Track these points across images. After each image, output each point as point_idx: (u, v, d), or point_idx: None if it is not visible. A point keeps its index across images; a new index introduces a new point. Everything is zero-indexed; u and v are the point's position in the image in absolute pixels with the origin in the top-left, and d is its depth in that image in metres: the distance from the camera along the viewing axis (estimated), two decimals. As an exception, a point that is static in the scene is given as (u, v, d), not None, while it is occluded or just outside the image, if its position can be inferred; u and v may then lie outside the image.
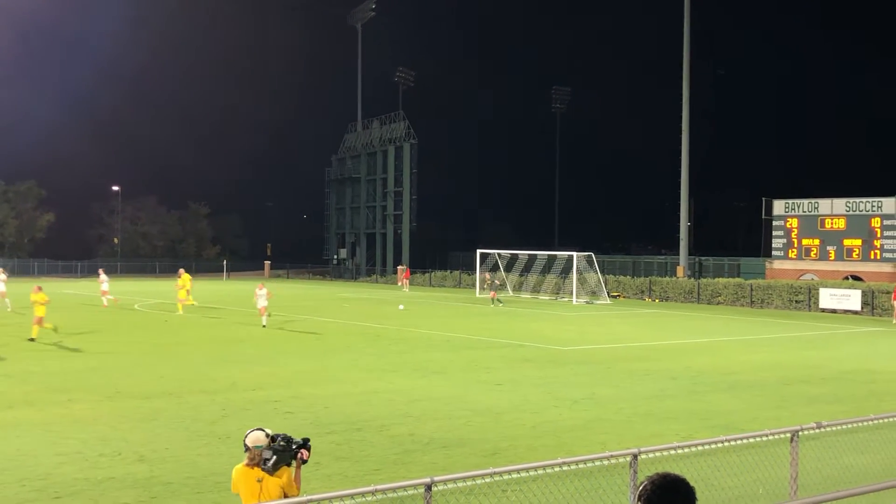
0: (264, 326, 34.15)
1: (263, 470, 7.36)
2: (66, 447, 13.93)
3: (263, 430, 7.48)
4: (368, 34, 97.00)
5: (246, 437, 7.49)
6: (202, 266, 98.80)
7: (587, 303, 53.20)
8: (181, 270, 47.69)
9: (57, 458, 13.23)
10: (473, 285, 62.65)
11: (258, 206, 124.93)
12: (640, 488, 3.87)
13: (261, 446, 7.36)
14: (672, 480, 3.82)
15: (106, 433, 14.96)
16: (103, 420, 16.06)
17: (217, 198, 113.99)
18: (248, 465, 7.43)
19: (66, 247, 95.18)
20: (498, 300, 50.19)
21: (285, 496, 7.39)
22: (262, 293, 35.75)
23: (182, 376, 21.47)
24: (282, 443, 7.40)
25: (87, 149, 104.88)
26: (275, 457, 7.34)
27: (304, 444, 7.52)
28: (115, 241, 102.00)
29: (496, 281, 51.93)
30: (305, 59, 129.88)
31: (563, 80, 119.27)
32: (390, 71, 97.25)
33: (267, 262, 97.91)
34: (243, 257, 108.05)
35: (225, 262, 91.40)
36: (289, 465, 7.47)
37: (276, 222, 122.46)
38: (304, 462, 7.55)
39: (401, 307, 47.67)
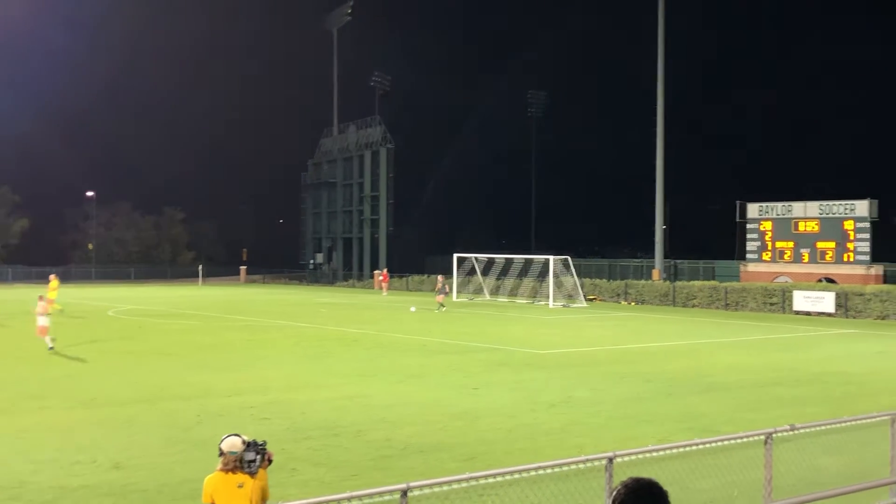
0: (51, 349, 27.58)
1: (247, 473, 7.32)
2: (41, 455, 13.83)
3: (239, 436, 7.45)
4: (344, 39, 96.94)
5: (221, 443, 7.44)
6: (177, 272, 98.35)
7: (564, 306, 53.32)
8: (52, 276, 45.81)
9: (31, 466, 13.13)
10: (452, 290, 62.63)
11: (234, 211, 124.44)
12: (615, 493, 3.90)
13: (236, 451, 7.32)
14: (646, 483, 3.87)
15: (81, 440, 14.86)
16: (78, 427, 15.96)
17: (192, 203, 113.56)
18: (223, 470, 7.36)
19: (39, 253, 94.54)
20: (441, 305, 49.50)
21: (263, 499, 7.38)
22: (40, 306, 28.53)
23: (157, 382, 21.35)
24: (256, 447, 7.38)
25: (61, 154, 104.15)
26: (258, 457, 7.33)
27: (265, 445, 7.52)
28: (90, 246, 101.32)
29: (447, 287, 51.64)
30: (280, 63, 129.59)
31: (539, 84, 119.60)
32: (366, 76, 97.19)
33: (243, 268, 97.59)
34: (219, 263, 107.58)
35: (200, 267, 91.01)
36: (262, 467, 7.46)
37: (253, 227, 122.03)
38: (270, 462, 7.56)
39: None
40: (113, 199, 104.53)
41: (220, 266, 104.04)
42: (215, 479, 7.38)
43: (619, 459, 8.49)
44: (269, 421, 16.61)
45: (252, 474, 7.31)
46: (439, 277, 54.33)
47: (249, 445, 7.36)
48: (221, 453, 7.37)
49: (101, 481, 12.41)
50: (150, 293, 67.00)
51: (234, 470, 7.32)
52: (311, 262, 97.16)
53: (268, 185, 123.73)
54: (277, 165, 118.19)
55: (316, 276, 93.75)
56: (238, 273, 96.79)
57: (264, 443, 7.48)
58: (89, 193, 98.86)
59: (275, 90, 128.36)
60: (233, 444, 7.34)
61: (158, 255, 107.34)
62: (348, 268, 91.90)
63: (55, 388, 20.57)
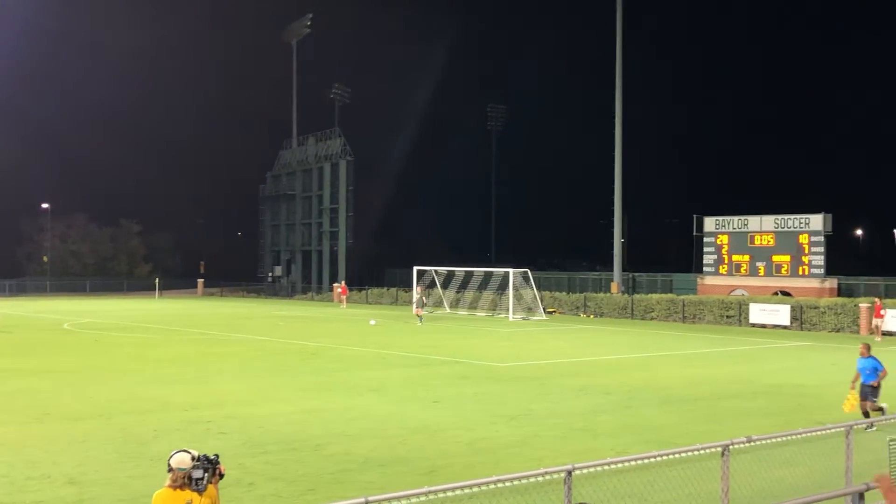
0: None
1: (194, 490, 7.21)
2: (-7, 471, 13.59)
3: (189, 452, 7.34)
4: (304, 51, 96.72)
5: (170, 458, 7.33)
6: (134, 284, 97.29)
7: (523, 319, 53.46)
8: None
9: (-18, 483, 12.90)
10: (410, 302, 62.60)
11: (191, 223, 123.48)
12: None
13: (185, 468, 7.21)
14: None
15: (34, 456, 14.63)
16: (31, 443, 15.71)
17: (149, 215, 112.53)
18: (171, 487, 7.24)
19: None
20: (419, 317, 49.83)
21: None
22: None
23: (113, 397, 21.10)
24: (206, 462, 7.27)
25: (15, 165, 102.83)
26: (206, 474, 7.21)
27: (217, 460, 7.42)
28: (45, 259, 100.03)
29: (424, 298, 51.95)
30: (240, 75, 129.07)
31: (499, 97, 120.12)
32: (326, 87, 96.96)
33: (200, 281, 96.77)
34: (176, 275, 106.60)
35: (157, 280, 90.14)
36: (212, 482, 7.36)
37: (210, 240, 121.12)
38: (221, 477, 7.46)
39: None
40: (68, 210, 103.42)
41: (178, 279, 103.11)
42: (163, 496, 7.25)
43: (577, 472, 8.50)
44: (226, 435, 16.46)
45: (200, 492, 7.20)
46: (418, 289, 54.57)
47: (199, 461, 7.24)
48: (170, 469, 7.26)
49: (55, 497, 12.22)
50: (107, 306, 66.25)
51: (182, 486, 7.21)
52: (270, 274, 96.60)
53: (226, 198, 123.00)
54: (236, 177, 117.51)
55: (274, 289, 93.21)
56: (195, 286, 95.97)
57: (216, 457, 7.38)
58: (45, 205, 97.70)
59: (234, 102, 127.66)
60: (181, 460, 7.23)
61: (115, 268, 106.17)
62: (307, 281, 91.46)
63: (7, 402, 20.24)
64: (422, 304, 50.93)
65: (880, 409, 17.93)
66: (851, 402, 18.01)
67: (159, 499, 7.24)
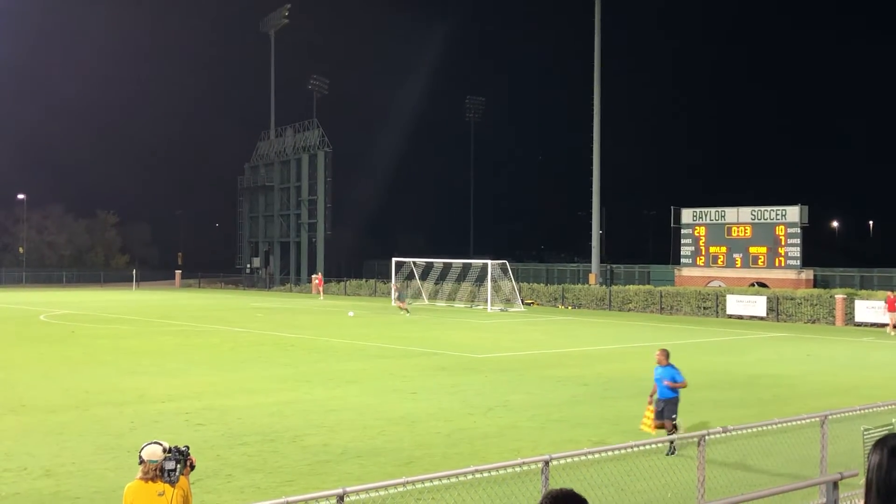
0: None
1: (166, 482, 7.20)
2: (-32, 463, 13.51)
3: (160, 444, 7.33)
4: (282, 42, 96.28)
5: (141, 450, 7.32)
6: (111, 276, 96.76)
7: (502, 310, 53.55)
8: None
9: (-43, 475, 12.81)
10: (389, 294, 62.59)
11: (169, 214, 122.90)
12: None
13: (156, 460, 7.20)
14: (568, 493, 3.93)
15: (10, 448, 14.55)
16: (7, 434, 15.62)
17: (126, 206, 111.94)
18: (143, 479, 7.23)
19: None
20: (406, 310, 49.93)
21: None
22: None
23: (89, 388, 20.99)
24: (177, 454, 7.27)
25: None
26: (178, 465, 7.21)
27: (188, 451, 7.41)
28: (21, 250, 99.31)
29: (402, 291, 52.22)
30: (217, 66, 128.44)
31: (477, 89, 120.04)
32: (304, 78, 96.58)
33: (178, 272, 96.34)
34: (154, 266, 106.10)
35: (134, 271, 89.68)
36: (183, 473, 7.36)
37: (188, 231, 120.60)
38: (193, 468, 7.46)
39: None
40: (45, 201, 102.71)
41: (155, 270, 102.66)
42: (135, 488, 7.24)
43: (555, 462, 8.54)
44: (204, 427, 16.42)
45: (172, 483, 7.20)
46: (395, 284, 54.60)
47: (171, 452, 7.23)
48: (141, 461, 7.25)
49: (31, 489, 12.17)
50: (83, 297, 65.84)
51: (154, 479, 7.20)
52: (248, 266, 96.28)
53: (204, 189, 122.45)
54: (213, 169, 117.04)
55: (252, 281, 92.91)
56: (173, 277, 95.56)
57: (186, 448, 7.38)
58: (20, 196, 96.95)
59: (211, 93, 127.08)
60: (153, 452, 7.22)
61: (91, 259, 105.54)
62: (285, 272, 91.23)
63: (-17, 394, 20.10)
64: (402, 297, 51.03)
65: (675, 428, 15.05)
66: (649, 420, 15.44)
67: (131, 491, 7.23)
